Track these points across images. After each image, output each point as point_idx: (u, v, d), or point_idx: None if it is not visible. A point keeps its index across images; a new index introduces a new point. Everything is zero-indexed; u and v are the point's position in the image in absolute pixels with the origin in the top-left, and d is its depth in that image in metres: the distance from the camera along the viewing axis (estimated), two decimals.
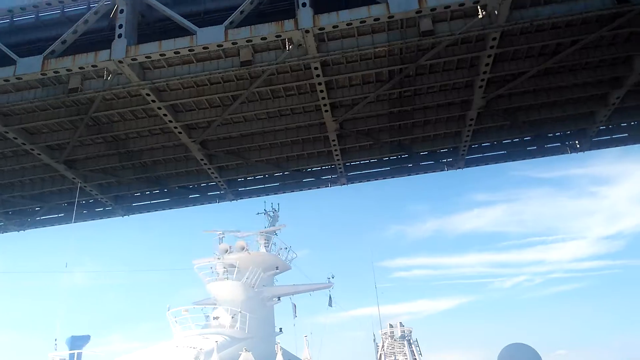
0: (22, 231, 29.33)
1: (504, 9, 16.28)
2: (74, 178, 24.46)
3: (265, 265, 25.62)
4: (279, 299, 26.12)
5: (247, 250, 25.65)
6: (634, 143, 26.77)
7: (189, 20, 17.32)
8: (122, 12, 17.46)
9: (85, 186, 25.27)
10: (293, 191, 28.29)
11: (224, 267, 25.36)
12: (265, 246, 26.53)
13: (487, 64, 19.12)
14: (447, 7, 16.15)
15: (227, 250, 25.91)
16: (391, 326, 55.03)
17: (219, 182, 26.35)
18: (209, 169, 24.90)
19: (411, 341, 54.33)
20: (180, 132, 21.60)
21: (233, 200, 27.96)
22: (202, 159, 24.00)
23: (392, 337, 54.32)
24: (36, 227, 29.32)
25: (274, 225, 29.81)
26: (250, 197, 28.11)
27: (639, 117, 25.00)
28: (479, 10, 16.57)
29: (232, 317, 22.35)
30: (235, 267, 24.89)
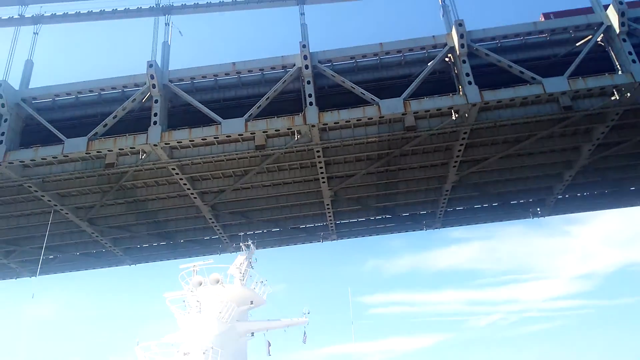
0: (33, 277, 31.56)
1: (473, 112, 20.18)
2: (93, 233, 27.14)
3: (240, 300, 24.07)
4: (253, 335, 24.58)
5: (221, 283, 24.02)
6: (588, 210, 30.83)
7: (209, 107, 20.81)
8: (156, 102, 20.80)
9: (101, 239, 27.93)
10: (288, 245, 31.42)
11: (197, 301, 24.01)
12: (240, 280, 24.80)
13: (459, 150, 22.93)
14: (427, 111, 19.98)
15: (200, 283, 24.33)
16: None
17: (223, 237, 29.34)
18: (216, 226, 27.92)
19: None
20: (195, 197, 24.66)
21: (233, 252, 30.91)
22: (210, 218, 27.03)
23: None
24: (48, 274, 31.60)
25: (250, 259, 28.02)
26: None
27: (590, 190, 29.12)
28: (453, 113, 20.44)
29: (204, 353, 21.16)
30: (208, 300, 23.60)
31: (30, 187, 22.59)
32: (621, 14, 20.15)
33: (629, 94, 20.05)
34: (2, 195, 23.90)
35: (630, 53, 19.82)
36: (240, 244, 25.90)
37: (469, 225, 31.61)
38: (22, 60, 23.45)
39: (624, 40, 20.13)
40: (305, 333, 24.30)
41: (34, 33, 23.99)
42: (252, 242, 26.18)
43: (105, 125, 20.67)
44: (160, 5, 23.66)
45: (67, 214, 25.10)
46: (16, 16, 24.07)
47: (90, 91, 21.82)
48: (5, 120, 20.90)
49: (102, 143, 20.38)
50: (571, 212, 31.24)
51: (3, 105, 20.78)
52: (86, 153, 20.33)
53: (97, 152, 20.41)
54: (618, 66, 20.20)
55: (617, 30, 20.23)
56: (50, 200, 23.81)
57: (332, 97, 21.94)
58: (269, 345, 24.09)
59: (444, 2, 22.07)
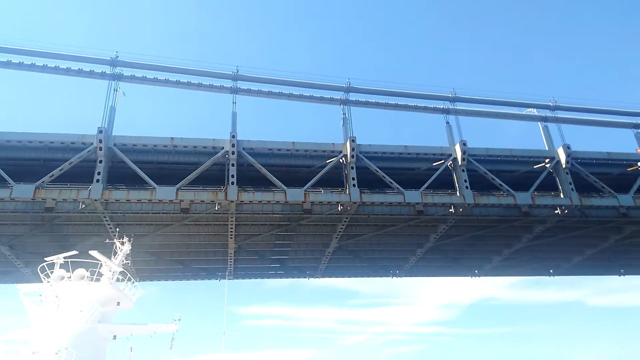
0: None
1: (353, 207, 26.93)
2: (10, 255, 29.53)
3: (105, 299, 22.53)
4: (115, 338, 22.98)
5: (86, 280, 22.41)
6: (432, 276, 39.49)
7: (144, 167, 25.22)
8: (100, 162, 24.71)
9: (16, 261, 30.32)
10: (189, 280, 35.95)
11: (56, 296, 22.08)
12: (108, 278, 23.06)
13: (341, 228, 29.67)
14: (320, 202, 26.35)
15: (63, 278, 22.45)
16: None
17: (131, 269, 33.08)
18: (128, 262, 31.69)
19: None
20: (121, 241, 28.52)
21: (138, 282, 34.64)
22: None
23: None
24: None
25: (123, 258, 25.85)
26: (154, 281, 35.16)
27: (435, 262, 37.69)
28: (339, 205, 27.04)
29: (56, 354, 19.31)
30: (69, 297, 21.91)
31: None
32: (463, 152, 28.32)
33: (461, 209, 28.19)
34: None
35: (465, 180, 27.97)
36: (115, 240, 24.60)
37: (343, 277, 38.62)
38: None
39: (463, 170, 28.29)
40: (173, 339, 23.18)
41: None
42: (128, 240, 24.85)
43: (52, 175, 24.07)
44: (113, 72, 27.53)
45: None
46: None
47: (40, 142, 24.97)
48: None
49: (48, 193, 23.79)
50: (421, 276, 39.76)
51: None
52: (32, 199, 23.58)
53: (42, 199, 23.76)
54: (457, 188, 28.29)
55: (459, 162, 28.36)
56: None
57: (249, 173, 27.43)
58: (131, 350, 22.96)
59: (344, 120, 28.86)
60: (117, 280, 23.47)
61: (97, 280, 22.65)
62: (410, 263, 36.64)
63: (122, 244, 24.31)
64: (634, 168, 31.65)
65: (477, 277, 40.69)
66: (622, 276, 42.39)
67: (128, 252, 24.76)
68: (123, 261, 24.46)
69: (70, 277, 22.41)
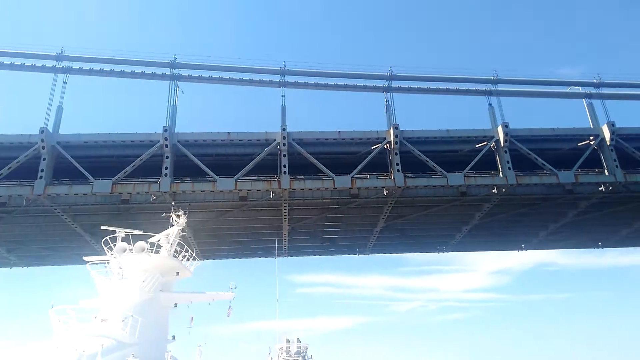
0: (26, 267, 37.20)
1: (398, 191, 28.55)
2: (91, 240, 33.31)
3: (165, 269, 23.60)
4: (176, 306, 23.91)
5: (147, 251, 23.44)
6: (478, 251, 40.72)
7: (204, 159, 27.70)
8: (167, 157, 27.45)
9: (96, 244, 34.12)
10: (247, 258, 39.04)
11: (120, 267, 23.44)
12: (167, 250, 24.15)
13: (387, 210, 31.39)
14: (366, 187, 28.14)
15: (125, 250, 23.67)
16: (288, 341, 55.00)
17: (196, 249, 36.38)
18: (193, 243, 34.93)
19: (306, 357, 55.00)
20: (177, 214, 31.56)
21: (203, 260, 38.06)
22: (190, 237, 34.00)
23: (287, 352, 54.26)
24: (39, 265, 37.31)
25: (180, 230, 26.86)
26: (217, 259, 38.47)
27: (481, 237, 38.85)
28: (384, 189, 28.72)
29: (123, 321, 20.47)
30: (132, 268, 23.15)
31: (56, 209, 28.60)
32: (505, 134, 29.08)
33: (504, 189, 29.19)
34: (28, 212, 29.61)
35: (508, 162, 28.83)
36: (171, 213, 25.44)
37: (391, 253, 40.55)
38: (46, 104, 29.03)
39: (505, 152, 29.11)
40: (230, 307, 23.89)
41: (63, 82, 29.55)
42: (183, 213, 25.71)
43: (126, 172, 27.06)
44: (172, 74, 29.98)
45: (76, 227, 31.17)
46: (49, 65, 29.52)
47: (113, 142, 27.97)
48: (44, 159, 26.78)
49: (124, 187, 26.83)
50: (467, 251, 41.02)
51: (43, 148, 26.65)
52: (110, 193, 26.73)
53: (119, 193, 26.87)
54: (500, 169, 29.20)
55: (502, 144, 29.18)
56: (67, 220, 29.84)
57: (299, 161, 29.45)
58: (192, 320, 23.43)
59: (387, 107, 30.16)
60: (176, 252, 24.77)
61: (157, 252, 23.92)
62: (456, 239, 38.01)
63: (178, 217, 25.46)
64: None
65: (523, 251, 41.60)
66: None
67: (184, 224, 25.78)
68: (180, 233, 25.40)
69: (131, 250, 23.62)
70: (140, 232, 24.47)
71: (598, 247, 42.07)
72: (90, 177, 26.68)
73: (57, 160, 27.65)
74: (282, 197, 28.91)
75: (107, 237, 23.75)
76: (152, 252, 23.52)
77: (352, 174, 27.93)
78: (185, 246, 25.14)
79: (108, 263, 23.73)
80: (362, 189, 28.96)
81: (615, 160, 29.24)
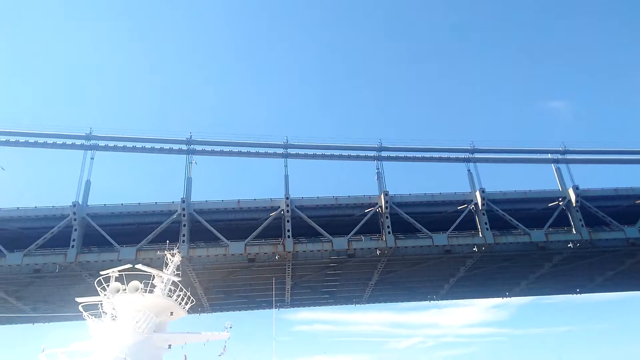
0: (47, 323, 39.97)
1: (390, 251, 32.13)
2: None
3: (159, 310, 23.12)
4: (170, 347, 23.29)
5: (141, 291, 22.87)
6: (464, 298, 43.97)
7: (216, 225, 31.21)
8: (184, 226, 31.01)
9: None
10: (253, 310, 42.07)
11: (113, 308, 22.84)
12: (161, 289, 23.52)
13: (380, 266, 34.86)
14: (362, 248, 31.74)
15: (118, 290, 23.06)
16: None
17: (205, 304, 39.45)
18: (203, 299, 38.03)
19: None
20: (195, 282, 34.83)
21: (210, 312, 41.08)
22: (200, 293, 37.14)
23: None
24: (60, 321, 40.11)
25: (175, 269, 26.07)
26: (224, 312, 41.47)
27: (466, 287, 42.20)
28: (377, 251, 32.27)
29: None
30: (125, 309, 22.55)
31: (81, 272, 31.88)
32: (482, 198, 32.97)
33: (483, 247, 32.84)
34: (57, 275, 32.84)
35: (486, 223, 32.58)
36: (165, 252, 25.23)
37: (386, 303, 43.74)
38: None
39: (483, 213, 32.91)
40: (225, 347, 23.31)
41: (90, 158, 33.41)
42: (177, 251, 25.60)
43: (148, 239, 30.53)
44: (188, 148, 33.93)
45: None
46: (79, 143, 33.46)
47: (136, 212, 31.57)
48: (75, 230, 30.29)
49: (147, 253, 30.26)
50: (455, 299, 44.36)
51: (75, 220, 30.21)
52: (134, 261, 30.06)
53: (143, 258, 30.24)
54: (479, 229, 32.91)
55: (480, 207, 33.01)
56: (91, 281, 33.04)
57: (301, 223, 33.02)
58: (185, 356, 22.98)
59: (378, 174, 34.14)
60: (170, 292, 24.16)
61: (151, 291, 23.21)
62: (445, 289, 41.35)
63: (173, 255, 25.25)
64: None
65: (507, 298, 44.92)
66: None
67: (179, 263, 25.53)
68: (174, 272, 24.90)
69: (125, 290, 23.02)
70: (132, 268, 23.80)
71: (576, 293, 45.47)
72: (115, 244, 30.16)
73: (85, 229, 31.16)
74: (286, 258, 32.36)
75: (101, 278, 23.45)
76: (146, 292, 22.97)
77: (348, 237, 31.57)
78: (180, 285, 24.75)
79: (101, 304, 23.16)
80: (358, 249, 32.47)
81: (581, 220, 33.09)
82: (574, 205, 33.45)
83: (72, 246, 29.79)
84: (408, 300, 44.01)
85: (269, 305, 41.90)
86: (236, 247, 30.75)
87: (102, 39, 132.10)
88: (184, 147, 33.91)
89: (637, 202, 35.32)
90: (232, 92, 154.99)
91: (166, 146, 33.92)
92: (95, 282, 23.62)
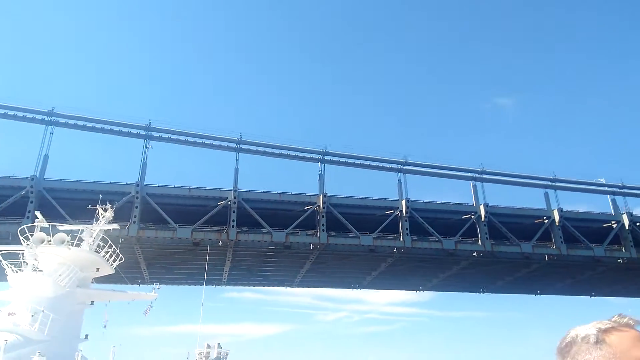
0: None
1: (322, 246, 36.26)
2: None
3: (84, 264, 22.19)
4: (92, 303, 22.58)
5: (67, 244, 21.85)
6: (385, 289, 49.37)
7: (166, 208, 34.13)
8: (136, 207, 33.55)
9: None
10: (192, 285, 45.28)
11: (35, 259, 21.74)
12: (89, 244, 22.59)
13: (312, 258, 39.07)
14: (297, 242, 35.68)
15: (43, 241, 22.00)
16: (208, 346, 53.24)
17: (147, 277, 42.23)
18: (145, 272, 40.80)
19: None
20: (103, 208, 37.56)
21: (149, 284, 43.91)
22: (144, 268, 39.92)
23: (207, 357, 52.58)
24: None
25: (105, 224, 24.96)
26: (167, 285, 44.38)
27: (387, 280, 47.51)
28: (311, 245, 36.33)
29: (32, 316, 19.25)
30: (49, 260, 21.60)
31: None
32: (406, 207, 37.74)
33: (402, 250, 37.77)
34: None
35: (407, 229, 37.43)
36: (97, 206, 24.17)
37: (315, 288, 48.26)
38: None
39: (406, 220, 37.72)
40: (150, 306, 22.88)
41: (50, 133, 34.88)
42: (110, 206, 24.54)
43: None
44: (146, 134, 36.12)
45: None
46: (38, 117, 34.76)
47: (92, 190, 33.67)
48: (32, 202, 32.09)
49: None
50: (376, 289, 49.62)
51: (32, 192, 32.05)
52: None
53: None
54: (401, 233, 37.72)
55: (404, 214, 37.77)
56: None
57: (247, 213, 36.39)
58: (106, 318, 22.33)
59: (320, 176, 38.00)
60: (99, 247, 23.46)
61: (78, 245, 22.30)
62: (367, 280, 46.38)
63: (105, 210, 24.32)
64: (539, 220, 41.49)
65: (420, 292, 50.83)
66: (538, 295, 52.81)
67: (110, 218, 24.68)
68: (105, 228, 24.00)
69: (50, 241, 21.93)
70: (65, 226, 23.49)
71: (480, 292, 52.10)
72: (69, 218, 32.20)
73: (41, 201, 32.95)
74: (228, 245, 35.77)
75: (25, 226, 22.60)
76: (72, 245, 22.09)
77: (287, 230, 35.37)
78: (109, 241, 24.05)
79: (23, 253, 22.06)
80: (294, 243, 36.39)
81: (486, 233, 38.71)
82: (483, 219, 38.99)
83: (27, 217, 31.58)
84: (334, 287, 48.92)
85: (207, 282, 45.19)
86: (183, 232, 33.77)
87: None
88: (142, 132, 36.13)
89: (536, 221, 41.46)
90: (198, 87, 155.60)
91: (125, 129, 35.99)
92: (19, 231, 22.70)
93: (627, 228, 41.22)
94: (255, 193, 36.35)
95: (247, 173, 38.07)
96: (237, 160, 37.39)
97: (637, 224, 42.24)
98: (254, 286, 47.55)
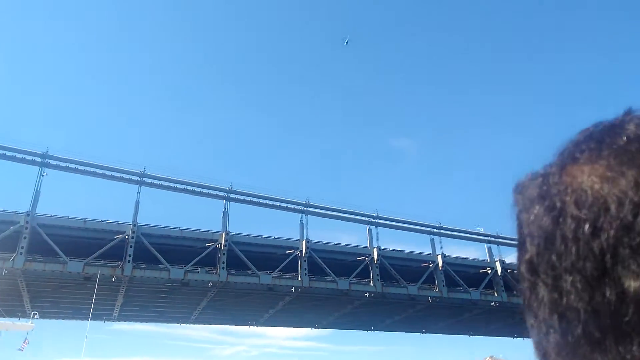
0: None
1: (221, 284, 36.56)
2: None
3: None
4: None
5: None
6: (285, 326, 50.17)
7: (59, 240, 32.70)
8: (25, 238, 31.78)
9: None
10: (79, 320, 42.84)
11: None
12: None
13: (211, 295, 39.05)
14: (196, 280, 35.69)
15: None
16: None
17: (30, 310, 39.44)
18: (27, 305, 38.14)
19: None
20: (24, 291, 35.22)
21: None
22: (27, 301, 37.34)
23: None
24: None
25: None
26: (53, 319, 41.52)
27: (285, 316, 48.42)
28: (210, 283, 36.50)
29: None
30: None
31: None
32: (306, 247, 39.43)
33: (300, 289, 39.16)
34: None
35: (305, 268, 39.02)
36: None
37: (211, 324, 47.78)
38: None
39: (305, 260, 39.34)
40: (26, 339, 19.98)
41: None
42: None
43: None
44: (41, 160, 34.57)
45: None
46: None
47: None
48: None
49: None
50: (274, 326, 50.35)
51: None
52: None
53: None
54: (299, 272, 39.18)
55: (303, 254, 39.37)
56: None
57: (145, 247, 35.76)
58: None
59: (224, 213, 38.62)
60: None
61: None
62: (264, 317, 46.98)
63: None
64: (425, 264, 45.30)
65: (316, 329, 52.39)
66: (423, 334, 56.65)
67: None
68: None
69: None
70: None
71: (371, 330, 54.76)
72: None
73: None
74: (123, 280, 34.83)
75: None
76: None
77: (186, 267, 35.32)
78: None
79: None
80: (192, 280, 36.34)
81: (378, 275, 41.47)
82: (375, 262, 41.79)
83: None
84: (231, 324, 48.79)
85: (95, 317, 43.00)
86: (74, 266, 32.48)
87: None
88: (38, 159, 34.59)
89: (422, 265, 45.18)
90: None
91: (19, 155, 34.20)
92: None
93: (499, 274, 46.29)
94: (156, 228, 36.04)
95: (149, 207, 37.63)
96: (139, 193, 36.94)
97: (508, 270, 47.63)
98: (148, 322, 46.10)
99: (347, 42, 59.40)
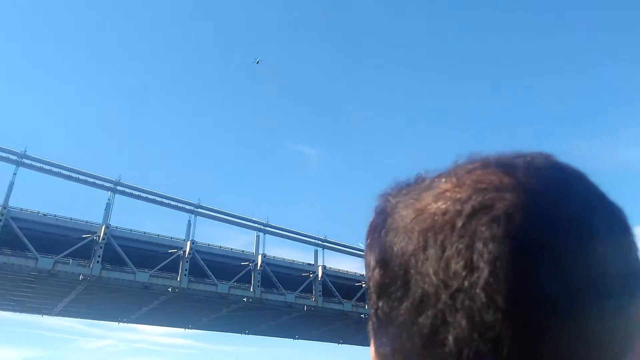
0: None
1: (94, 278, 34.93)
2: None
3: None
4: None
5: None
6: (157, 325, 48.82)
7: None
8: None
9: None
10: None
11: None
12: None
13: (81, 288, 37.07)
14: (66, 272, 33.73)
15: None
16: None
17: None
18: None
19: None
20: None
21: None
22: None
23: None
24: None
25: None
26: None
27: (157, 317, 47.24)
28: (81, 276, 34.71)
29: None
30: None
31: None
32: (190, 248, 39.09)
33: (177, 289, 38.65)
34: None
35: (186, 269, 38.62)
36: None
37: (76, 318, 45.10)
38: None
39: (187, 261, 38.93)
40: None
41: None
42: None
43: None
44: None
45: None
46: None
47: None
48: None
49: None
50: (143, 324, 48.77)
51: None
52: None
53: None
54: (179, 274, 38.67)
55: (186, 254, 38.96)
56: None
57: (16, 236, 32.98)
58: None
59: (107, 205, 36.97)
60: None
61: None
62: (136, 315, 45.48)
63: None
64: (307, 274, 47.13)
65: (190, 330, 51.83)
66: (296, 340, 58.55)
67: None
68: None
69: None
70: None
71: (246, 334, 55.43)
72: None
73: None
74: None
75: None
76: None
77: (56, 258, 33.23)
78: None
79: None
80: (62, 272, 34.26)
81: (259, 281, 42.34)
82: (258, 268, 42.65)
83: None
84: (98, 319, 46.45)
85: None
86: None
87: None
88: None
89: (304, 274, 46.95)
90: None
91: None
92: None
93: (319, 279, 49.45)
94: (29, 214, 33.49)
95: (27, 191, 34.85)
96: (16, 173, 34.04)
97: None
98: (5, 311, 42.19)
99: (257, 62, 60.60)
